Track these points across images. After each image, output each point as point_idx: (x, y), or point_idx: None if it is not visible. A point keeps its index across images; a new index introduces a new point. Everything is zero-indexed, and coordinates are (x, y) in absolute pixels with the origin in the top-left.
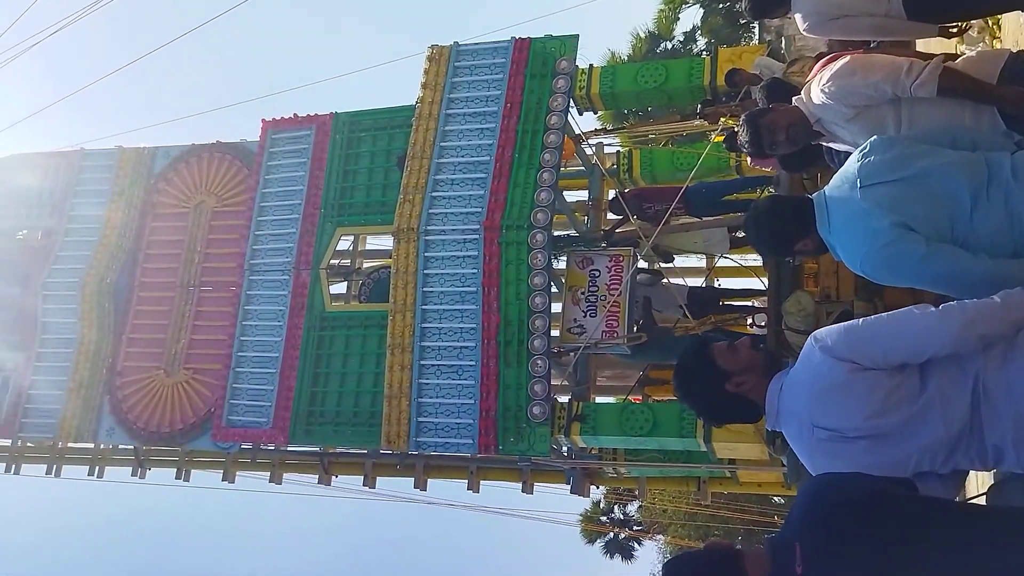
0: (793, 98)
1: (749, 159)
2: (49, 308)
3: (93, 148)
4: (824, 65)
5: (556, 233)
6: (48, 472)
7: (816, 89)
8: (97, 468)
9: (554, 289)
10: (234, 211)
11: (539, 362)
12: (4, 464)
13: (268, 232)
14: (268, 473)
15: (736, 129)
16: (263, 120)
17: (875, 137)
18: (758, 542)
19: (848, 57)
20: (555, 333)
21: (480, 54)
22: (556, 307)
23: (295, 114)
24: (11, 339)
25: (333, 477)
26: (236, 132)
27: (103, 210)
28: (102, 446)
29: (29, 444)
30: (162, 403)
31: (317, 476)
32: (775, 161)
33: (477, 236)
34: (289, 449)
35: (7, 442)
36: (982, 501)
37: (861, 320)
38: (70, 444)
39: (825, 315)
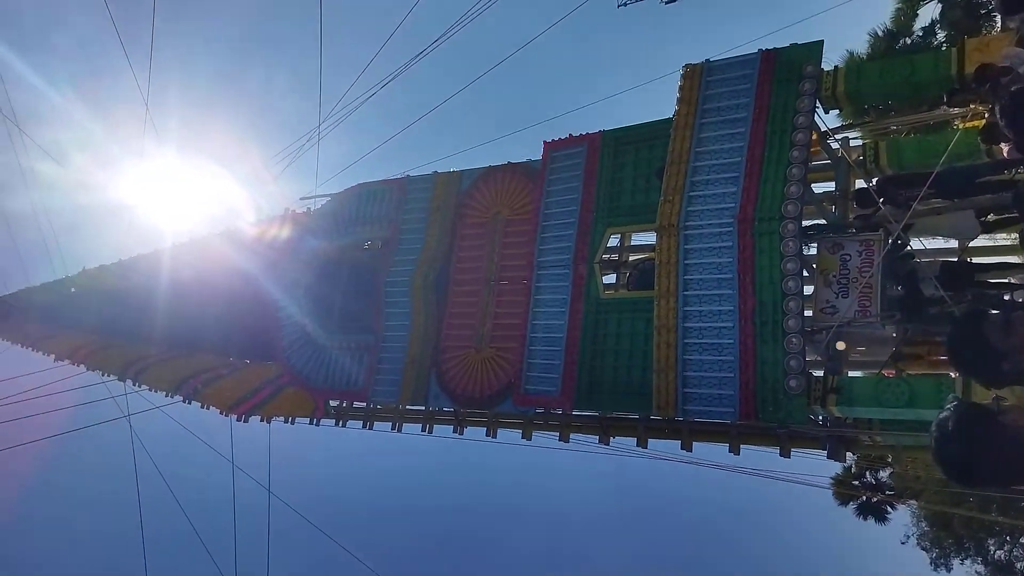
0: None
1: (1005, 148)
2: (390, 300)
3: (416, 175)
4: None
5: (805, 223)
6: (392, 428)
7: None
8: (427, 426)
9: (804, 273)
10: (523, 219)
11: (794, 340)
12: (361, 421)
13: (551, 235)
14: (557, 433)
15: (995, 116)
16: (544, 142)
17: None
18: (1016, 513)
19: None
20: (807, 313)
21: (730, 68)
22: (807, 289)
23: (570, 134)
24: (365, 324)
25: (611, 438)
26: (522, 154)
27: (425, 223)
28: (430, 408)
29: (378, 407)
30: (474, 374)
31: (597, 437)
32: None
33: (731, 228)
34: (574, 413)
35: (363, 405)
36: None
37: None
38: (407, 407)
39: None
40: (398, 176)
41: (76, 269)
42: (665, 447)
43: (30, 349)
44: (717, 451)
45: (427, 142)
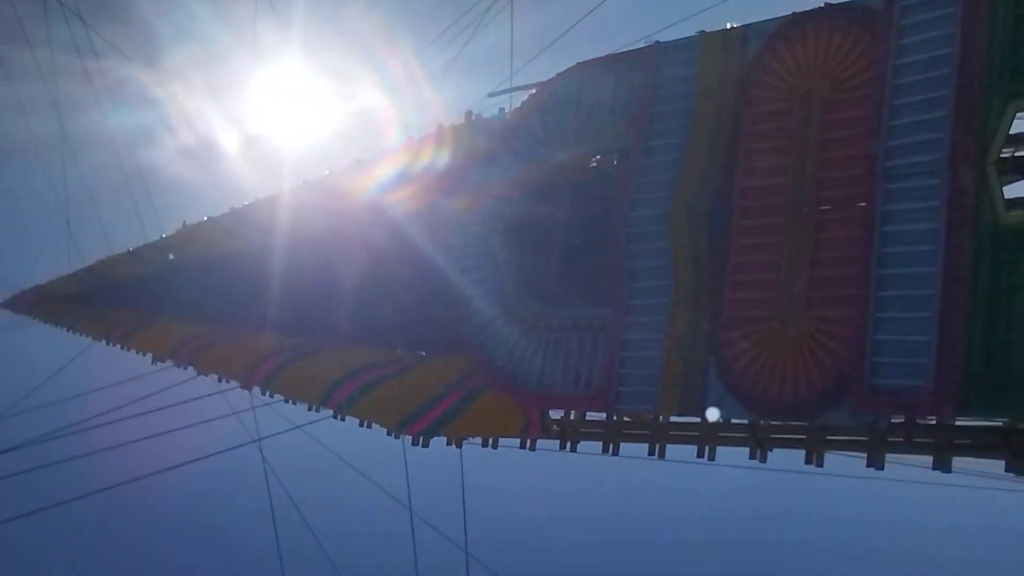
0: None
1: None
2: (635, 249)
3: (668, 39)
4: None
5: None
6: (651, 453)
7: None
8: (707, 449)
9: None
10: (856, 97)
11: None
12: (600, 442)
13: (907, 119)
14: (930, 457)
15: None
16: None
17: None
18: None
19: None
20: None
21: None
22: None
23: None
24: (598, 291)
25: None
26: None
27: (687, 118)
28: (711, 420)
29: (626, 419)
30: (781, 363)
31: (1004, 462)
32: None
33: None
34: (958, 424)
35: (601, 416)
36: None
37: None
38: (671, 418)
39: None
40: (639, 46)
41: (173, 226)
42: None
43: (118, 346)
44: None
45: None
